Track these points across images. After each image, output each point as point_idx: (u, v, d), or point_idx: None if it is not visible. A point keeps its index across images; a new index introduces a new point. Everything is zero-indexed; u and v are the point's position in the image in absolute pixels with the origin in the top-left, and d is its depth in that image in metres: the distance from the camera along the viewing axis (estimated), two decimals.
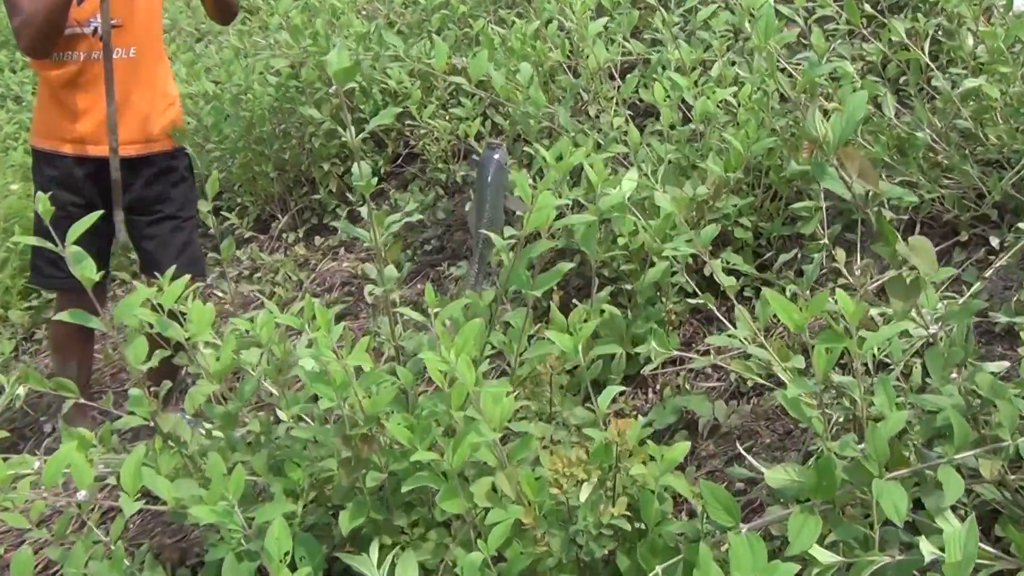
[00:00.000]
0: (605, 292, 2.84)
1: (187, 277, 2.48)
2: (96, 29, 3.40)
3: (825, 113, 1.82)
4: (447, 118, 4.58)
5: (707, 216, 2.94)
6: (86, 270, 2.38)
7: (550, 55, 3.89)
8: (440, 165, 4.70)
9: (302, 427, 2.32)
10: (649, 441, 1.98)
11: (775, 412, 2.69)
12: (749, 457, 2.01)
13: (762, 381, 2.50)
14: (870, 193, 1.81)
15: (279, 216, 5.12)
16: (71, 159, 3.49)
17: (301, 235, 4.98)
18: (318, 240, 4.87)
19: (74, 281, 3.54)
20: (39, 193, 3.54)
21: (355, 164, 2.39)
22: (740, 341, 2.45)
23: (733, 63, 3.63)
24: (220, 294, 4.49)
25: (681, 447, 1.85)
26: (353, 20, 4.69)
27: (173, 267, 2.60)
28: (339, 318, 4.16)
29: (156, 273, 3.56)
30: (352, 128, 2.23)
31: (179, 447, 2.41)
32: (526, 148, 3.27)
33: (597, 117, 3.75)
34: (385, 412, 2.22)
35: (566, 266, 2.30)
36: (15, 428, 4.25)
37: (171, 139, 3.62)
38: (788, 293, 2.94)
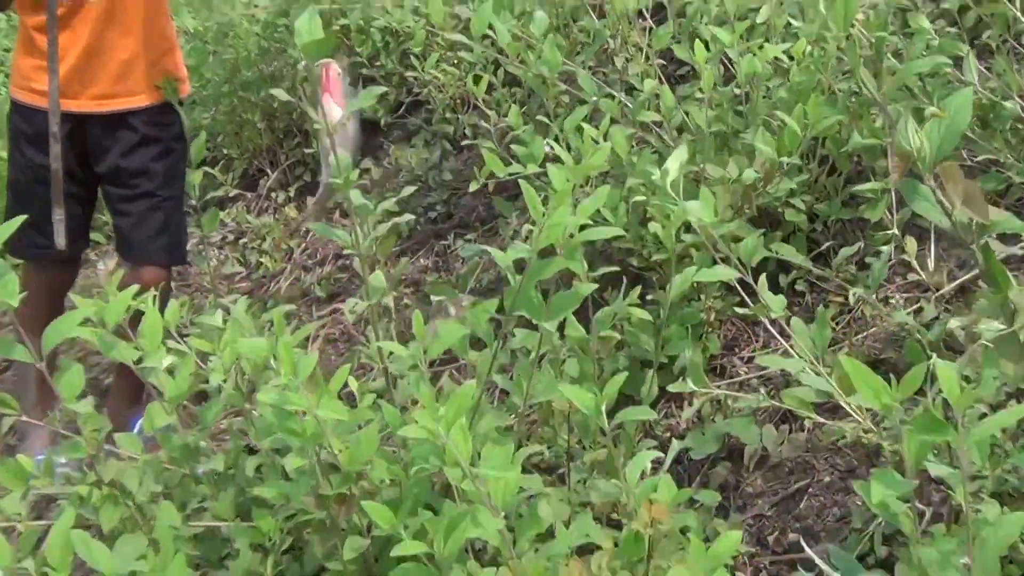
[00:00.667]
0: (633, 295, 2.51)
1: (133, 290, 2.18)
2: None
3: (919, 118, 1.49)
4: (455, 61, 4.24)
5: (754, 201, 2.60)
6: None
7: None
8: (447, 115, 4.37)
9: (267, 485, 2.02)
10: (690, 517, 1.68)
11: (836, 443, 2.37)
12: (810, 552, 1.70)
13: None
14: (976, 222, 1.48)
15: (268, 171, 4.81)
16: (45, 114, 3.15)
17: (292, 194, 4.67)
18: (311, 200, 4.55)
19: (42, 251, 3.32)
20: (12, 154, 3.27)
21: (328, 154, 2.05)
22: (793, 364, 2.14)
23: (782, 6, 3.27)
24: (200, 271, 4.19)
25: (731, 539, 1.54)
26: None
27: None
28: (332, 297, 3.88)
29: (128, 256, 3.30)
30: (325, 110, 1.88)
31: (124, 497, 2.12)
32: (539, 117, 2.92)
33: (624, 69, 3.41)
34: (365, 465, 1.92)
35: (586, 288, 1.98)
36: None
37: (159, 92, 3.25)
38: (852, 296, 2.62)
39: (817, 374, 2.13)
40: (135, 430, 3.26)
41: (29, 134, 3.16)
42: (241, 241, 4.53)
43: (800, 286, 2.85)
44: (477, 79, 3.14)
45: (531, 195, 1.79)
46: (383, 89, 2.10)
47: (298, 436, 1.90)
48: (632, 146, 2.91)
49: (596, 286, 2.04)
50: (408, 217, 2.31)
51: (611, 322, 2.41)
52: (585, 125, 2.75)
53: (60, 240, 3.10)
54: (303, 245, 4.30)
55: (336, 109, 3.08)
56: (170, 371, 2.61)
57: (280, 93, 2.01)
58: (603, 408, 1.69)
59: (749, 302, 2.30)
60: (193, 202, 3.64)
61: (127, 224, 3.28)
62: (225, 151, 4.97)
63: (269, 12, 4.29)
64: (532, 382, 2.03)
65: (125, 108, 3.19)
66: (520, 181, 1.85)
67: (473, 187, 2.88)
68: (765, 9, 3.04)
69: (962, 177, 1.43)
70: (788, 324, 2.19)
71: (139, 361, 2.22)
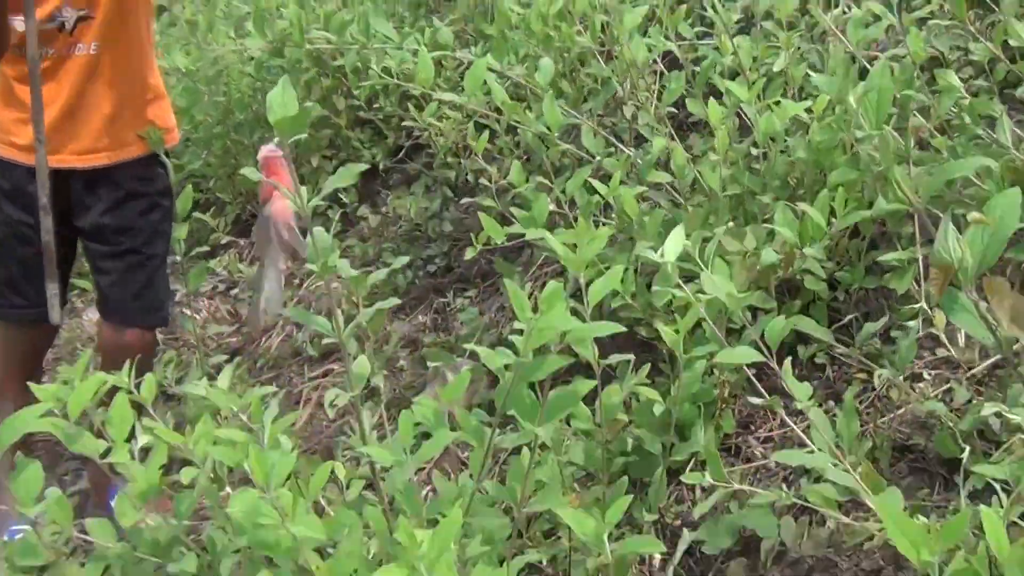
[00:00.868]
0: (642, 374, 2.36)
1: (99, 378, 2.05)
2: (63, 24, 2.94)
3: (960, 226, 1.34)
4: (457, 105, 4.10)
5: (773, 282, 2.46)
6: None
7: (578, 40, 3.40)
8: (449, 160, 4.24)
9: None
10: None
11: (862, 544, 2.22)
12: None
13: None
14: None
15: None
16: (23, 169, 3.01)
17: (286, 235, 4.51)
18: (307, 244, 4.41)
19: (22, 312, 3.19)
20: None
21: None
22: (817, 461, 1.99)
23: (802, 57, 3.14)
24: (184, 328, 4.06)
25: None
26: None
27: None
28: (325, 356, 3.74)
29: (109, 317, 3.17)
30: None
31: None
32: (541, 179, 2.78)
33: (633, 118, 3.28)
34: None
35: (586, 386, 1.83)
36: None
37: (144, 144, 3.11)
38: (878, 378, 2.47)
39: (842, 469, 1.99)
40: (113, 499, 3.13)
41: (6, 189, 3.02)
42: (232, 292, 4.40)
43: (820, 358, 2.70)
44: (479, 128, 3.00)
45: (516, 295, 1.64)
46: (362, 167, 1.96)
47: (271, 549, 1.76)
48: (642, 203, 2.79)
49: (596, 383, 1.89)
50: (394, 302, 2.14)
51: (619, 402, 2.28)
52: (594, 182, 2.62)
53: (55, 315, 2.99)
54: (295, 298, 4.16)
55: (288, 207, 2.92)
56: (146, 450, 2.48)
57: (251, 172, 1.87)
58: (605, 536, 1.54)
59: (763, 392, 2.16)
60: (178, 258, 3.52)
61: (109, 282, 3.15)
62: (218, 195, 4.84)
63: (263, 51, 4.15)
64: (528, 485, 1.88)
65: (109, 163, 3.06)
66: (504, 281, 1.70)
67: (470, 254, 2.74)
68: (782, 59, 2.91)
69: (1009, 291, 1.29)
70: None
71: (105, 453, 2.09)
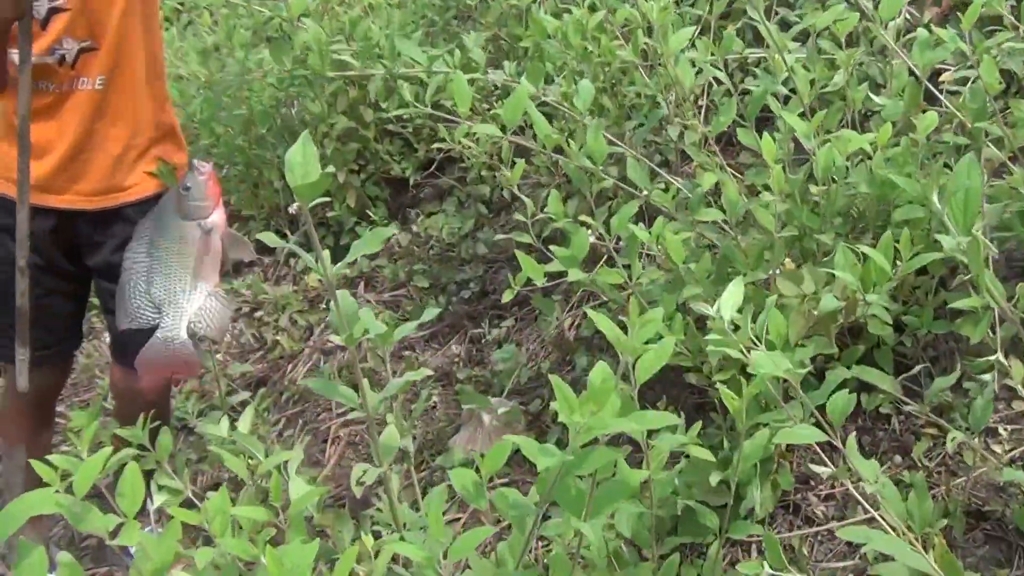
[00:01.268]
0: (693, 432, 2.25)
1: (106, 452, 1.96)
2: (63, 57, 2.81)
3: None
4: (488, 116, 4.00)
5: (833, 332, 2.34)
6: None
7: (619, 54, 3.29)
8: (483, 173, 4.14)
9: None
10: None
11: None
12: None
13: None
14: None
15: (287, 234, 4.58)
16: (29, 208, 2.92)
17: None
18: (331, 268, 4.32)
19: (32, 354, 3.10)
20: None
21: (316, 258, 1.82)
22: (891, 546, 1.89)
23: (865, 74, 3.01)
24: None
25: None
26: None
27: None
28: (354, 388, 3.64)
29: (123, 360, 3.08)
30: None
31: None
32: (583, 217, 2.67)
33: (680, 138, 3.16)
34: None
35: (637, 477, 1.72)
36: None
37: (156, 181, 3.01)
38: (951, 440, 2.35)
39: (914, 550, 1.89)
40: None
41: (8, 227, 2.93)
42: (257, 314, 4.31)
43: (886, 408, 2.59)
44: (516, 153, 2.88)
45: (561, 390, 1.53)
46: (390, 233, 1.86)
47: None
48: (692, 241, 2.68)
49: (648, 473, 1.79)
50: (425, 373, 2.04)
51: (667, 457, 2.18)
52: (638, 230, 2.51)
53: (22, 381, 2.85)
54: (323, 323, 4.07)
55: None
56: (160, 511, 2.43)
57: (270, 237, 1.78)
58: None
59: (826, 461, 2.04)
60: None
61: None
62: (240, 211, 4.76)
63: (281, 68, 4.05)
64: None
65: (118, 204, 2.97)
66: (551, 377, 1.59)
67: (507, 297, 2.64)
68: (840, 76, 2.79)
69: None
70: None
71: (116, 531, 2.01)
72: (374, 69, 3.33)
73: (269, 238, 1.81)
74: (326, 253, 1.78)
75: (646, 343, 1.78)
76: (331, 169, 1.64)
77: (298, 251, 1.79)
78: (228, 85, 4.47)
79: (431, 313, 2.30)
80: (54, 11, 2.77)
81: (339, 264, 1.80)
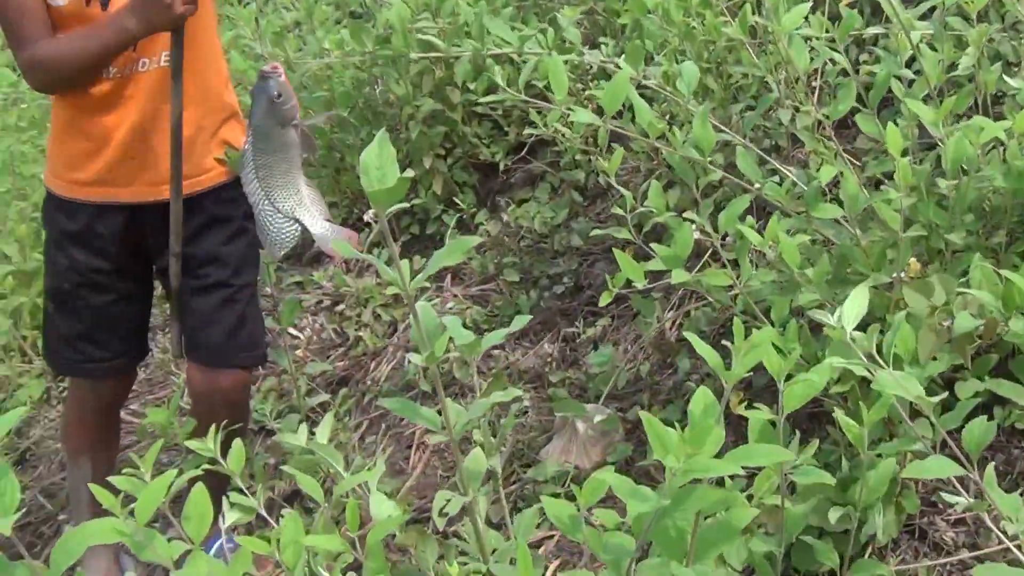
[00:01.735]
0: (808, 451, 2.12)
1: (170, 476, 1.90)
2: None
3: None
4: (583, 98, 3.89)
5: (969, 353, 2.20)
6: None
7: (725, 31, 3.15)
8: (578, 158, 4.02)
9: None
10: None
11: None
12: None
13: None
14: None
15: (371, 222, 4.49)
16: (92, 208, 2.88)
17: (397, 249, 4.35)
18: (418, 260, 4.24)
19: (99, 365, 3.05)
20: (53, 256, 2.97)
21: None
22: None
23: (996, 54, 2.85)
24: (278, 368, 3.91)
25: None
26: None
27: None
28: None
29: (199, 359, 3.02)
30: None
31: None
32: (685, 216, 2.55)
33: (791, 122, 3.02)
34: None
35: (743, 516, 1.61)
36: (31, 523, 3.79)
37: (225, 168, 2.95)
38: None
39: None
40: (212, 552, 3.01)
41: (73, 232, 2.88)
42: (338, 308, 4.25)
43: (1022, 423, 2.44)
44: (605, 162, 2.77)
45: (654, 428, 1.42)
46: (476, 241, 1.77)
47: None
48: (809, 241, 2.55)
49: (757, 512, 1.67)
50: (515, 393, 1.94)
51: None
52: (749, 232, 2.39)
53: (176, 350, 3.03)
54: (407, 319, 3.99)
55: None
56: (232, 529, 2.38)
57: (345, 248, 1.69)
58: None
59: (957, 487, 1.91)
60: (268, 288, 3.37)
61: (197, 322, 2.99)
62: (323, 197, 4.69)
63: (362, 50, 3.96)
64: None
65: (194, 193, 2.90)
66: (642, 415, 1.48)
67: (605, 300, 2.53)
68: (968, 57, 2.63)
69: None
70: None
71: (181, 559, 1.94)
72: (461, 50, 3.22)
73: (344, 249, 1.72)
74: (405, 264, 1.69)
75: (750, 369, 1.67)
76: (409, 173, 1.55)
77: (374, 261, 1.70)
78: (308, 65, 4.40)
79: (521, 322, 2.21)
80: None
81: (418, 276, 1.71)
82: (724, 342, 3.08)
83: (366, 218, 1.58)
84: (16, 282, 4.55)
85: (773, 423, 1.84)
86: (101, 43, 2.69)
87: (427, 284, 4.13)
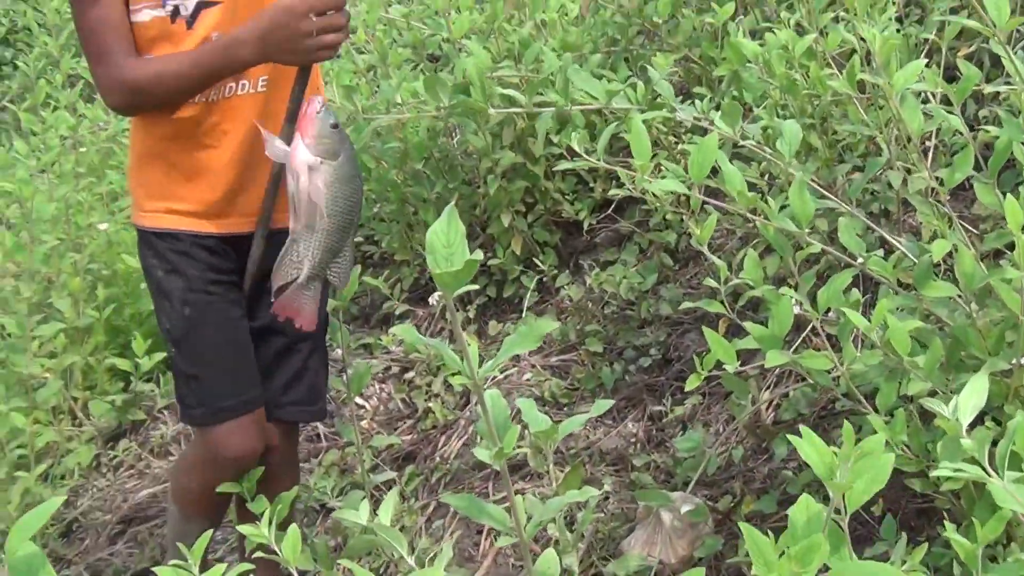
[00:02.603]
0: (917, 555, 2.06)
1: None
2: (177, 10, 2.72)
3: None
4: (676, 153, 3.87)
5: None
6: None
7: (831, 84, 3.11)
8: (668, 217, 4.00)
9: None
10: None
11: None
12: None
13: None
14: None
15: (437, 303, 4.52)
16: (187, 239, 2.86)
17: (472, 314, 4.36)
18: (494, 325, 4.23)
19: (248, 406, 2.88)
20: (164, 288, 2.88)
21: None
22: None
23: None
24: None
25: None
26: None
27: None
28: (514, 470, 3.53)
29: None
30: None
31: None
32: (784, 288, 2.51)
33: (903, 186, 2.97)
34: None
35: None
36: None
37: None
38: None
39: None
40: None
41: (180, 250, 2.85)
42: (407, 375, 4.24)
43: None
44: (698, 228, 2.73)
45: (753, 538, 1.38)
46: (551, 327, 1.74)
47: None
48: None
49: None
50: (592, 492, 1.91)
51: None
52: (852, 313, 2.33)
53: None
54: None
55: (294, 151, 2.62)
56: None
57: (411, 333, 1.66)
58: None
59: None
60: (339, 350, 3.36)
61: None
62: (391, 255, 4.71)
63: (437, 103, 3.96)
64: None
65: (281, 227, 2.83)
66: (744, 528, 1.44)
67: (692, 384, 2.50)
68: None
69: None
70: None
71: None
72: (544, 102, 3.21)
73: (409, 333, 1.69)
74: (473, 350, 1.66)
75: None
76: (479, 255, 1.53)
77: (441, 348, 1.68)
78: (381, 112, 4.42)
79: (603, 407, 2.17)
80: (203, 5, 2.71)
81: (487, 365, 1.68)
82: (826, 427, 3.06)
83: (432, 301, 1.55)
84: (68, 340, 4.58)
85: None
86: (205, 71, 2.66)
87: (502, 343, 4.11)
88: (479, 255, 1.55)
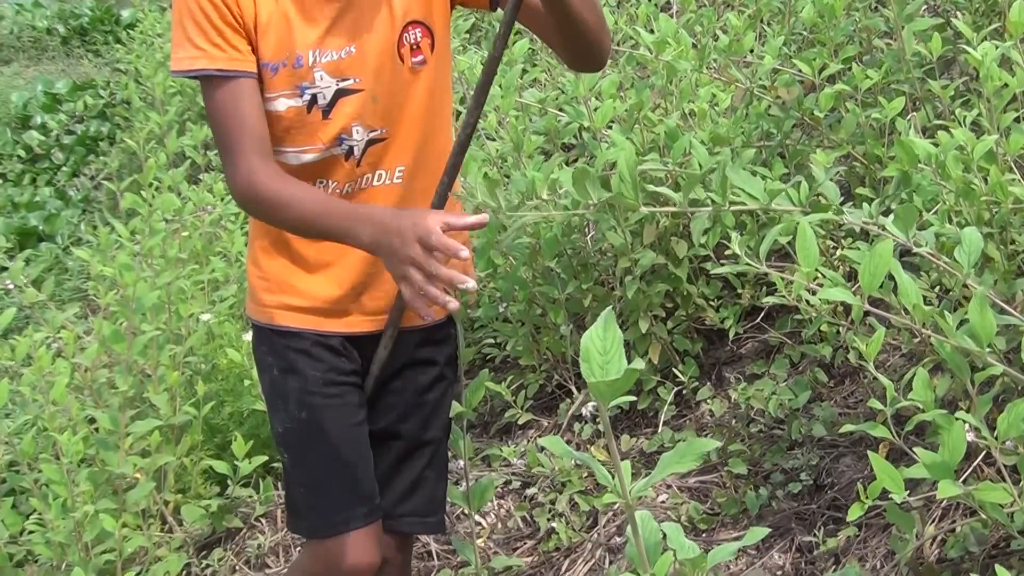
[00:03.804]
0: None
1: None
2: (351, 150, 2.81)
3: None
4: (835, 259, 3.87)
5: None
6: None
7: (1012, 191, 3.12)
8: (824, 329, 3.99)
9: None
10: None
11: None
12: None
13: None
14: None
15: (573, 390, 4.54)
16: (310, 336, 2.92)
17: (601, 426, 4.37)
18: (626, 440, 4.24)
19: (370, 516, 2.91)
20: (280, 388, 2.93)
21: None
22: None
23: None
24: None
25: None
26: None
27: None
28: None
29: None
30: None
31: None
32: (959, 412, 2.50)
33: None
34: None
35: None
36: None
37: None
38: None
39: None
40: None
41: (299, 349, 2.91)
42: (529, 491, 4.26)
43: None
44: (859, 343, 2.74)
45: None
46: (711, 446, 1.76)
47: None
48: None
49: None
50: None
51: None
52: None
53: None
54: (611, 511, 3.98)
55: None
56: None
57: (557, 445, 1.70)
58: None
59: None
60: (461, 462, 3.40)
61: (376, 474, 3.00)
62: (516, 359, 4.74)
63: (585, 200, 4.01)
64: None
65: (408, 327, 2.91)
66: None
67: (854, 514, 2.49)
68: None
69: None
70: None
71: None
72: (694, 199, 3.24)
73: (556, 445, 1.72)
74: (626, 466, 1.69)
75: None
76: (639, 364, 1.56)
77: (592, 463, 1.71)
78: (511, 204, 4.48)
79: (757, 535, 2.17)
80: (342, 93, 2.77)
81: (640, 483, 1.71)
82: (998, 566, 3.02)
83: (584, 411, 1.58)
84: (162, 439, 4.65)
85: None
86: (326, 226, 2.68)
87: (636, 462, 4.13)
88: (639, 364, 1.58)
